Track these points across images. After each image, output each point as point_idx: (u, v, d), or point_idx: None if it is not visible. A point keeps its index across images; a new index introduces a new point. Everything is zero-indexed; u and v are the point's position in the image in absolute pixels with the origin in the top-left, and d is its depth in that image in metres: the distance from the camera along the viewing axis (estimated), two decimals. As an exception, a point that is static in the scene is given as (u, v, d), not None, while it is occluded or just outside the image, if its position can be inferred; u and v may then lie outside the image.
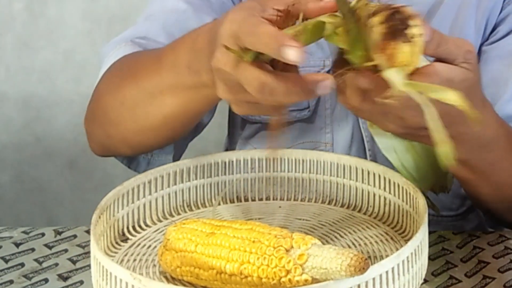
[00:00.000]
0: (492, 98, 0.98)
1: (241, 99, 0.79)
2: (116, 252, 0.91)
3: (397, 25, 0.73)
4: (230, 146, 1.29)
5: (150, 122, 1.00)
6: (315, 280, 0.74)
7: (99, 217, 0.86)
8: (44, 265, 0.96)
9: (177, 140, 1.10)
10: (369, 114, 0.83)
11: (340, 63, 0.79)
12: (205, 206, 1.02)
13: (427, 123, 0.71)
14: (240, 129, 1.22)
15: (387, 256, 0.80)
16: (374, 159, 1.13)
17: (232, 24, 0.76)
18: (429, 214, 0.84)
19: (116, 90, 1.04)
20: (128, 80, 1.02)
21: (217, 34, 0.79)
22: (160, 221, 0.98)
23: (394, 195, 0.95)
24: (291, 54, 0.70)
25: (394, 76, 0.73)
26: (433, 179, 1.00)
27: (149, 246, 0.93)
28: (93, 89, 1.12)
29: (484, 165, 0.95)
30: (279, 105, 0.78)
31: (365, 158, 1.14)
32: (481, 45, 1.14)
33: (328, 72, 0.79)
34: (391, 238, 0.92)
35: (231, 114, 1.30)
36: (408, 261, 0.76)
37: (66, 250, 1.00)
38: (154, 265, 0.89)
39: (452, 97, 0.73)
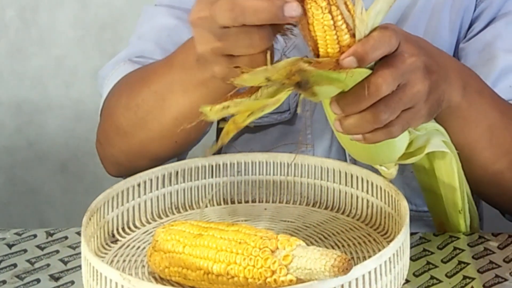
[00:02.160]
0: None
1: (218, 46, 0.81)
2: (106, 253, 0.91)
3: None
4: (218, 150, 1.30)
5: (163, 126, 1.02)
6: (299, 281, 0.75)
7: (90, 219, 0.87)
8: (36, 265, 0.96)
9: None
10: (405, 120, 0.83)
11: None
12: (193, 208, 1.02)
13: None
14: None
15: (369, 257, 0.81)
16: (354, 161, 1.14)
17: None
18: (410, 210, 0.85)
19: (128, 99, 1.05)
20: (139, 85, 1.04)
21: None
22: (149, 223, 0.98)
23: (377, 197, 0.96)
24: (294, 9, 0.75)
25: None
26: None
27: (138, 247, 0.93)
28: (100, 112, 1.13)
29: (475, 109, 0.97)
30: (252, 39, 0.79)
31: (345, 159, 1.14)
32: (458, 43, 1.16)
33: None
34: (374, 240, 0.93)
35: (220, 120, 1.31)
36: (390, 262, 0.77)
37: (57, 251, 1.00)
38: (143, 266, 0.89)
39: None
